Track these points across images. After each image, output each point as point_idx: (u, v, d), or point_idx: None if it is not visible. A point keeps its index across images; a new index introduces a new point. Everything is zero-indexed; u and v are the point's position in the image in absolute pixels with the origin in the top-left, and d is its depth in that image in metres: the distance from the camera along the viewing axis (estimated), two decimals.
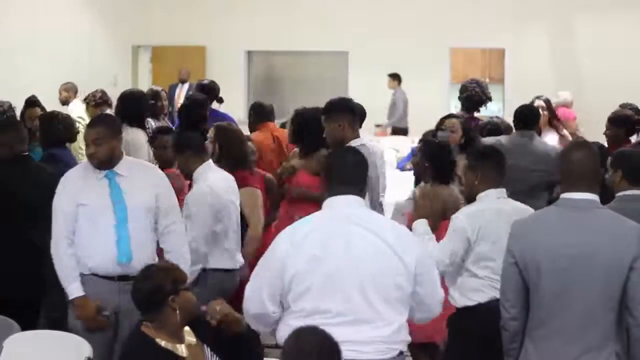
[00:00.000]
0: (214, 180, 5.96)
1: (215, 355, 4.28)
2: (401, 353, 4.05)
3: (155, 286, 4.25)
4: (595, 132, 8.55)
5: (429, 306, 4.08)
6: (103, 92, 10.00)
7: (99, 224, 5.18)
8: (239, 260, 6.09)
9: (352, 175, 4.08)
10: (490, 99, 8.90)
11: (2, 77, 13.48)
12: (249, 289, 4.06)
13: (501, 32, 16.22)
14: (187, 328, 4.31)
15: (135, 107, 7.97)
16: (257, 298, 3.99)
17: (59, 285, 5.29)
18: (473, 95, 8.71)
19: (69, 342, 4.89)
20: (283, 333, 3.85)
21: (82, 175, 5.30)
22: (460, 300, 5.09)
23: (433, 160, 6.14)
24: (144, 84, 16.73)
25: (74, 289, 5.17)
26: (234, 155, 6.52)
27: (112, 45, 17.04)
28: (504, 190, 5.14)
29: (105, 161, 5.24)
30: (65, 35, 15.72)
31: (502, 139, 7.36)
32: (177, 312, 4.22)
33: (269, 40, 16.92)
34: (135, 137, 7.60)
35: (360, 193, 4.08)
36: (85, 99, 9.94)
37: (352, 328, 3.90)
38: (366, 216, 4.05)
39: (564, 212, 4.00)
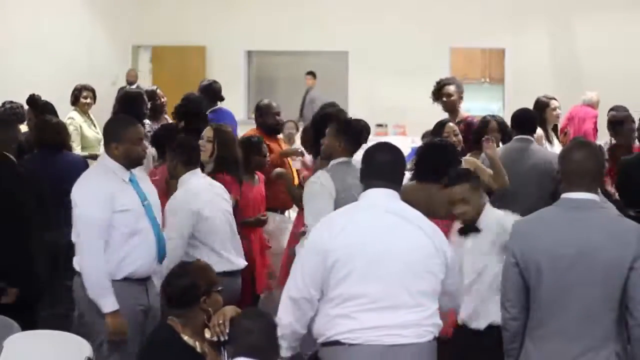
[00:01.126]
0: (196, 185, 6.01)
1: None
2: (435, 338, 4.14)
3: (191, 283, 4.31)
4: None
5: (455, 297, 4.34)
6: (78, 84, 10.09)
7: (139, 227, 5.19)
8: (236, 264, 6.10)
9: (385, 170, 4.23)
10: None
11: (2, 77, 13.47)
12: (287, 284, 4.16)
13: (501, 32, 16.21)
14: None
15: (134, 107, 7.99)
16: (299, 284, 4.07)
17: (60, 281, 5.30)
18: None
19: (69, 342, 4.89)
20: (319, 323, 4.05)
21: (107, 180, 5.19)
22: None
23: (418, 158, 6.23)
24: (144, 84, 16.72)
25: (112, 302, 5.07)
26: (227, 159, 6.53)
27: (112, 45, 17.03)
28: None
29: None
30: (65, 35, 15.72)
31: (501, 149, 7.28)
32: (205, 312, 4.28)
33: (269, 40, 16.91)
34: None
35: (395, 186, 4.23)
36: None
37: (391, 313, 4.01)
38: (402, 206, 4.21)
39: (564, 212, 4.00)
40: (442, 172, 5.44)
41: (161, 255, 5.32)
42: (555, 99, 8.73)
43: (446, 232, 5.75)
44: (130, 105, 8.14)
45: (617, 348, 3.93)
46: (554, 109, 8.60)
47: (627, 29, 15.60)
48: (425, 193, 5.88)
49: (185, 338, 4.26)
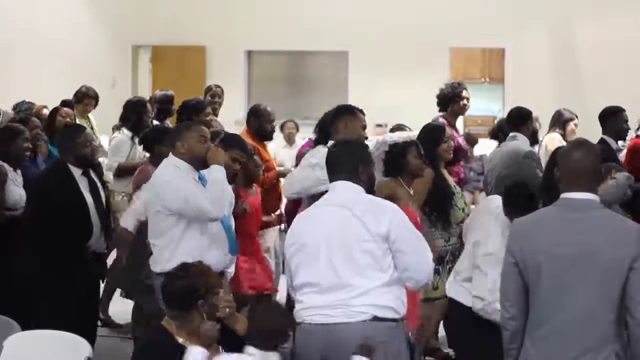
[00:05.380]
0: None
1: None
2: (377, 318, 4.29)
3: (189, 286, 4.29)
4: (595, 132, 8.56)
5: (413, 272, 4.42)
6: (83, 87, 10.12)
7: (208, 223, 5.58)
8: None
9: (340, 163, 4.58)
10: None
11: (2, 78, 13.48)
12: None
13: (501, 32, 16.19)
14: None
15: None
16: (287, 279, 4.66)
17: None
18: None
19: (69, 342, 4.90)
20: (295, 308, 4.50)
21: (180, 177, 5.51)
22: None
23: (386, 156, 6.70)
24: (144, 84, 16.73)
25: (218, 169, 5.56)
26: None
27: (112, 45, 17.03)
28: None
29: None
30: (65, 36, 15.72)
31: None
32: (202, 316, 4.28)
33: (269, 40, 16.90)
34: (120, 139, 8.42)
35: (351, 178, 4.52)
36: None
37: (323, 295, 4.34)
38: (344, 195, 4.51)
39: (563, 212, 4.00)
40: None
41: (233, 250, 5.70)
42: (577, 116, 8.98)
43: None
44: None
45: (616, 348, 3.93)
46: (574, 127, 8.86)
47: (627, 29, 15.59)
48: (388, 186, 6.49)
49: (181, 340, 4.25)
